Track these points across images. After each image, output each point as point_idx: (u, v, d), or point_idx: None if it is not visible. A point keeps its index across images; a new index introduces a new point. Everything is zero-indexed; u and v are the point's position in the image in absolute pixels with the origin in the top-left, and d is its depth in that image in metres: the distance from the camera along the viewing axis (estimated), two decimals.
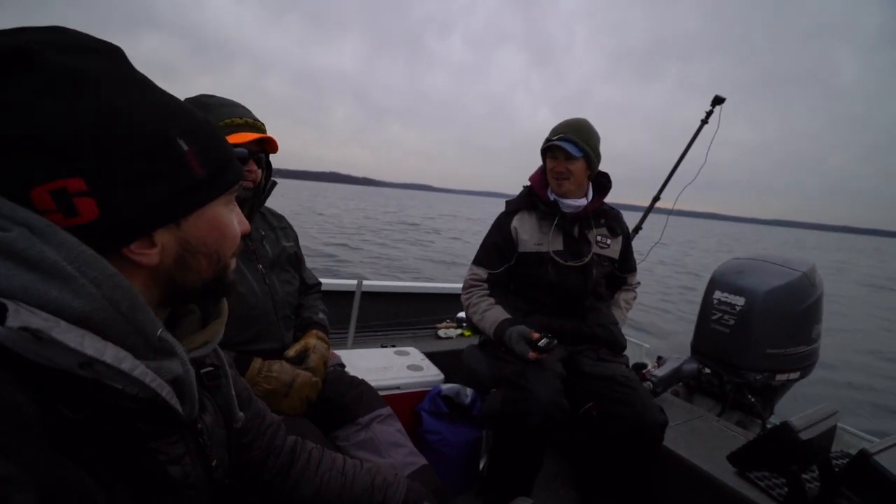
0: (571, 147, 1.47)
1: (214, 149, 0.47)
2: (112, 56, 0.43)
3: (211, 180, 0.46)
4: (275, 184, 1.23)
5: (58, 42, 0.39)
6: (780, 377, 2.01)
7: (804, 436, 0.82)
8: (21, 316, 0.32)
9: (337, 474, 0.73)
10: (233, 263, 0.54)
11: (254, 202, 1.17)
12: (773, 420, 2.14)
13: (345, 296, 2.22)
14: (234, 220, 0.52)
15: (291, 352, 1.15)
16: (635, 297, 1.79)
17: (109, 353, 0.36)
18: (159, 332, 0.41)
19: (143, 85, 0.44)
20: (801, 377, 2.08)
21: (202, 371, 0.56)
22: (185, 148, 0.43)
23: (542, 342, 1.35)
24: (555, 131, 1.53)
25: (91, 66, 0.39)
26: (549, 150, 1.53)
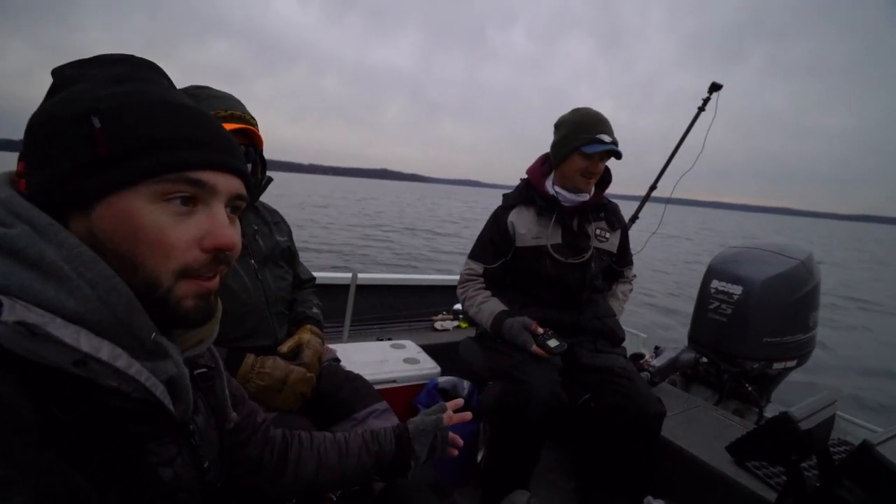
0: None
1: (139, 128, 0.40)
2: (127, 64, 0.45)
3: (119, 162, 0.39)
4: (270, 179, 1.20)
5: (107, 61, 0.45)
6: (777, 365, 2.01)
7: (804, 426, 0.81)
8: (17, 311, 0.32)
9: (331, 444, 0.77)
10: (184, 288, 0.42)
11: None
12: (770, 408, 2.16)
13: (340, 289, 2.20)
14: (170, 225, 0.41)
15: (285, 347, 1.13)
16: (632, 290, 1.79)
17: (105, 350, 0.36)
18: (153, 335, 0.41)
19: (128, 81, 0.43)
20: (798, 365, 2.09)
21: (196, 372, 0.55)
22: (97, 125, 0.39)
23: (555, 345, 1.33)
24: (598, 130, 1.40)
25: (89, 72, 0.43)
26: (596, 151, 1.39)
